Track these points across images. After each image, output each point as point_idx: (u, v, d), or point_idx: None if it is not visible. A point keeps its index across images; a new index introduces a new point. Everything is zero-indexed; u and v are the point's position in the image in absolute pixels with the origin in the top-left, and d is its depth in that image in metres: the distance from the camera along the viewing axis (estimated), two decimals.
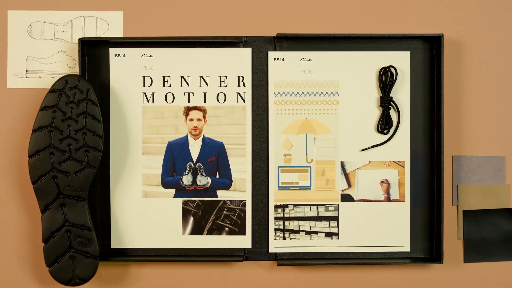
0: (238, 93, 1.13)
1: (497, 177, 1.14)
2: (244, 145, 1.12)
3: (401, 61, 1.13)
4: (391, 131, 1.13)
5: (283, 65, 1.12)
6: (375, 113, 1.13)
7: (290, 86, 1.13)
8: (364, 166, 1.12)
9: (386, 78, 1.12)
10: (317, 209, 1.13)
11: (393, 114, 1.14)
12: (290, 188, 1.12)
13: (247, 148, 1.13)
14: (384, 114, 1.12)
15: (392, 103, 1.13)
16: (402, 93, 1.13)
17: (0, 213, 1.14)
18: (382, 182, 1.12)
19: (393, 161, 1.13)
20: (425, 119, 1.14)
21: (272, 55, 1.13)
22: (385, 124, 1.12)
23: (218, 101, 1.13)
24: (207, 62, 1.12)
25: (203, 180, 1.14)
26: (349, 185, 1.13)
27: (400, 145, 1.13)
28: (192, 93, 1.13)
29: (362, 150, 1.12)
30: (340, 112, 1.13)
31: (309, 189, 1.13)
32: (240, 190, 1.13)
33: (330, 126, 1.12)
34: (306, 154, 1.12)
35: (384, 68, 1.12)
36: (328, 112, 1.12)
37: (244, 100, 1.13)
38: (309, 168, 1.13)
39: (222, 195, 1.14)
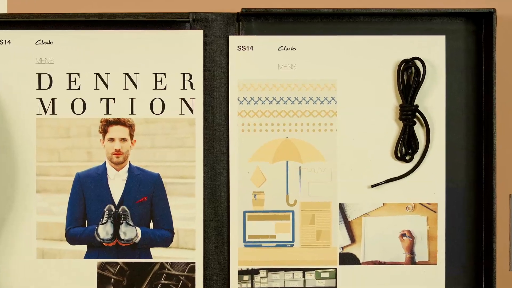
0: (183, 99, 0.94)
1: None
2: (192, 178, 0.94)
3: (431, 50, 0.95)
4: (417, 156, 0.95)
5: (252, 57, 0.94)
6: (393, 129, 0.95)
7: (263, 89, 0.95)
8: (376, 211, 0.94)
9: (409, 77, 0.94)
10: (304, 276, 0.94)
11: (419, 131, 0.96)
12: (263, 244, 0.94)
13: (197, 184, 0.94)
14: (406, 132, 0.94)
15: (418, 114, 0.95)
16: (433, 100, 0.95)
17: None
18: (403, 235, 0.94)
19: (420, 203, 0.94)
20: (467, 139, 0.96)
21: (235, 41, 0.94)
22: (407, 147, 0.94)
23: (153, 112, 0.94)
24: (136, 51, 0.94)
25: (130, 232, 0.94)
26: (353, 239, 0.94)
27: (430, 179, 0.95)
28: (113, 99, 0.94)
29: (373, 186, 0.94)
30: (339, 128, 0.95)
31: (292, 245, 0.94)
32: (186, 247, 0.94)
33: (323, 150, 0.95)
34: (287, 193, 0.94)
35: (406, 61, 0.94)
36: (320, 129, 0.94)
37: (192, 111, 0.94)
38: (291, 213, 0.94)
39: (158, 254, 0.95)
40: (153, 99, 0.93)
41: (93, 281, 0.92)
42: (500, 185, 0.96)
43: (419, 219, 0.93)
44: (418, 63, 0.92)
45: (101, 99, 0.91)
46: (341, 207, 0.92)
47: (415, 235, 0.92)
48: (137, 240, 0.92)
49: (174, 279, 0.92)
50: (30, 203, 0.93)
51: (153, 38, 0.91)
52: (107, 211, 0.92)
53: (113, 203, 0.92)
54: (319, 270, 0.92)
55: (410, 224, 0.92)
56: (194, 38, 0.92)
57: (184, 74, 0.93)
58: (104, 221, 0.92)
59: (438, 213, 0.92)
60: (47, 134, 0.92)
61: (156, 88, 0.93)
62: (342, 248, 0.93)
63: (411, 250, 0.92)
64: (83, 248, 0.92)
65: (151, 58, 0.92)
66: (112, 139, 0.92)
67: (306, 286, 0.93)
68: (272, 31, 0.92)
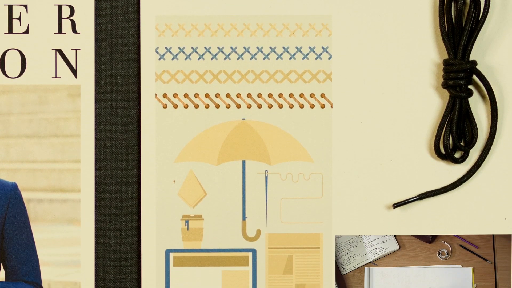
0: (59, 51, 0.79)
1: None
2: (75, 192, 0.80)
3: None
4: (474, 153, 0.81)
5: None
6: (431, 105, 0.83)
7: (200, 33, 0.79)
8: (393, 256, 0.81)
9: (461, 11, 0.80)
10: None
11: (478, 108, 0.82)
12: None
13: (83, 202, 0.80)
14: (456, 109, 0.80)
15: (476, 78, 0.80)
16: (504, 53, 0.81)
17: None
18: None
19: (467, 244, 0.82)
20: None
21: None
22: (457, 136, 0.79)
23: (5, 73, 0.81)
24: None
25: None
26: None
27: (499, 192, 0.80)
28: None
29: (396, 205, 0.79)
30: (337, 102, 0.80)
31: None
32: None
33: (309, 142, 0.79)
34: (244, 218, 0.80)
35: None
36: (303, 104, 0.79)
37: (74, 71, 0.79)
38: (250, 254, 0.80)
39: None
40: (5, 52, 0.76)
41: None
42: None
43: (459, 273, 0.80)
44: None
45: None
46: (338, 244, 0.77)
47: None
48: None
49: None
50: None
51: None
52: None
53: None
54: None
55: (444, 279, 0.79)
56: None
57: (60, 7, 0.77)
58: None
59: (497, 259, 0.78)
60: None
61: (10, 31, 0.75)
62: None
63: None
64: None
65: None
66: None
67: None
68: None
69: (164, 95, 0.77)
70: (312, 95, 0.77)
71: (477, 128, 0.79)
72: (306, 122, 0.78)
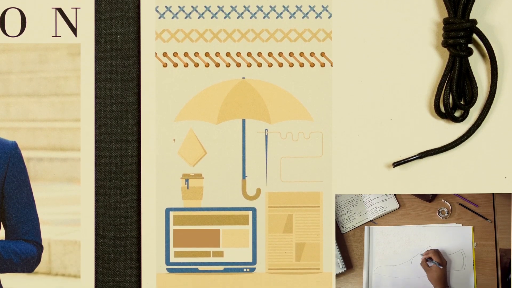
0: (59, 9, 0.81)
1: None
2: (75, 151, 0.81)
3: None
4: (474, 112, 0.82)
5: None
6: (431, 64, 0.83)
7: None
8: (393, 215, 0.82)
9: None
10: None
11: (478, 67, 0.82)
12: (200, 268, 0.81)
13: (83, 160, 0.81)
14: (456, 68, 0.80)
15: (476, 37, 0.80)
16: (505, 11, 0.82)
17: None
18: (427, 260, 0.82)
19: (467, 203, 0.81)
20: None
21: None
22: (457, 95, 0.80)
23: (5, 32, 0.81)
24: None
25: None
26: (348, 264, 0.84)
27: (499, 151, 0.80)
28: None
29: (396, 164, 0.80)
30: (337, 61, 0.80)
31: (252, 270, 0.82)
32: (66, 273, 0.81)
33: (309, 101, 0.80)
34: (244, 177, 0.81)
35: None
36: (303, 62, 0.79)
37: (74, 30, 0.80)
38: (250, 213, 0.81)
39: (15, 286, 0.81)
40: (5, 10, 0.77)
41: None
42: None
43: (459, 231, 0.81)
44: None
45: None
46: (338, 203, 0.78)
47: (452, 259, 0.80)
48: None
49: None
50: None
51: None
52: None
53: None
54: None
55: (443, 240, 0.82)
56: None
57: None
58: None
59: (497, 220, 0.79)
60: None
61: None
62: (337, 276, 0.79)
63: (442, 282, 0.80)
64: None
65: None
66: None
67: None
68: None
69: (164, 54, 0.77)
70: (312, 54, 0.78)
71: (477, 87, 0.79)
72: (306, 81, 0.78)
